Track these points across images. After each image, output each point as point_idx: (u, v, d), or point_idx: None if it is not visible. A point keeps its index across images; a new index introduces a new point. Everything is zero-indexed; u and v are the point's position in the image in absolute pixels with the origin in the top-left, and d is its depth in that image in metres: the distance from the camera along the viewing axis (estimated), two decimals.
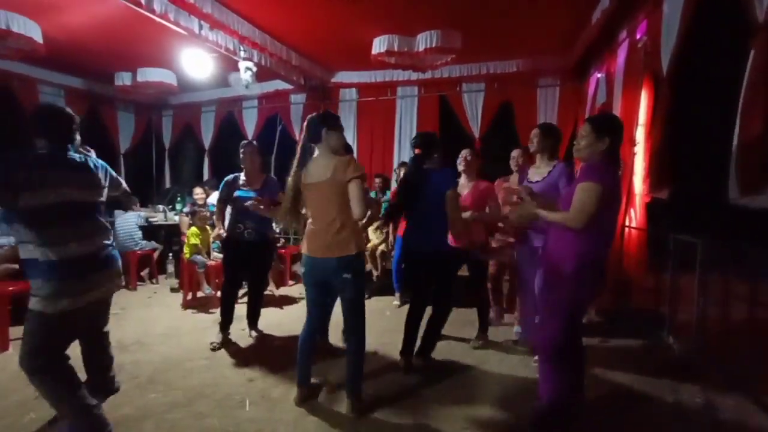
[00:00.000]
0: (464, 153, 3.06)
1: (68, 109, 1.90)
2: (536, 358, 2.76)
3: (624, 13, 3.52)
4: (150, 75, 5.05)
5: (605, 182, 1.77)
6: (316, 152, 2.14)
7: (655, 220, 3.28)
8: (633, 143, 3.27)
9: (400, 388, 2.46)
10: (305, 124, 2.15)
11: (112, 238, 1.99)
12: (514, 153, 3.27)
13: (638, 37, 3.40)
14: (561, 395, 1.91)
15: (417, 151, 2.63)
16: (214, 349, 2.96)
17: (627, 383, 2.53)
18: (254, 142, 3.18)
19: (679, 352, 2.90)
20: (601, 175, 1.78)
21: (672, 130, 2.70)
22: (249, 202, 2.82)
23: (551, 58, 5.05)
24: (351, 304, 2.13)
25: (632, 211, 3.42)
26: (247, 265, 3.14)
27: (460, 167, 3.05)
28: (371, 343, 2.95)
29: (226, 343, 3.06)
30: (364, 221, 2.15)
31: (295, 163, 2.16)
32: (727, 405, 2.25)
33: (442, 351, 2.89)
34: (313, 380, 2.35)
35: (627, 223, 3.44)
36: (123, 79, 5.37)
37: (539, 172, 2.71)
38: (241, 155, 3.03)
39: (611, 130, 1.84)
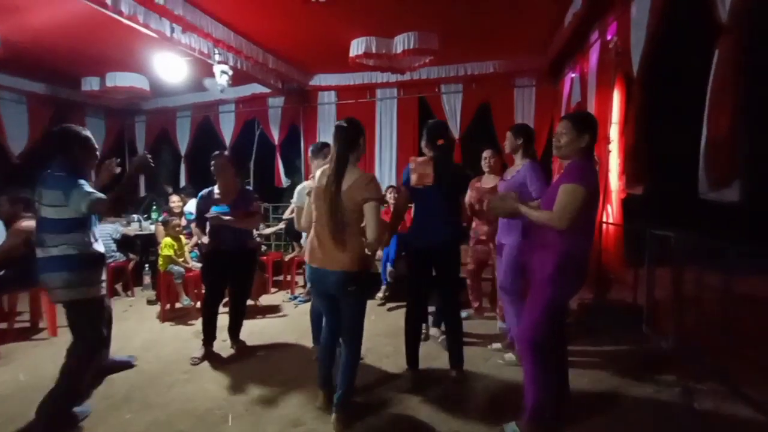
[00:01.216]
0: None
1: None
2: (510, 353, 2.81)
3: (595, 15, 3.61)
4: (120, 79, 4.88)
5: (588, 183, 1.79)
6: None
7: (631, 216, 3.37)
8: (608, 141, 3.36)
9: (386, 394, 2.43)
10: (337, 131, 2.03)
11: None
12: (485, 153, 3.39)
13: (609, 38, 3.50)
14: (547, 393, 1.92)
15: (440, 142, 2.51)
16: (194, 364, 2.86)
17: (607, 376, 2.58)
18: (225, 153, 3.06)
19: (657, 344, 2.99)
20: (583, 176, 1.80)
21: (645, 128, 2.77)
22: (210, 214, 2.82)
23: (527, 59, 5.15)
24: (348, 320, 2.10)
25: (609, 207, 3.51)
26: (228, 276, 3.05)
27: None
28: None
29: (209, 356, 2.96)
30: (374, 247, 2.04)
31: (332, 174, 1.99)
32: (703, 394, 2.32)
33: (426, 355, 2.87)
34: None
35: (604, 219, 3.53)
36: (91, 83, 5.18)
37: (512, 171, 2.78)
38: (212, 168, 2.95)
39: (590, 127, 1.88)
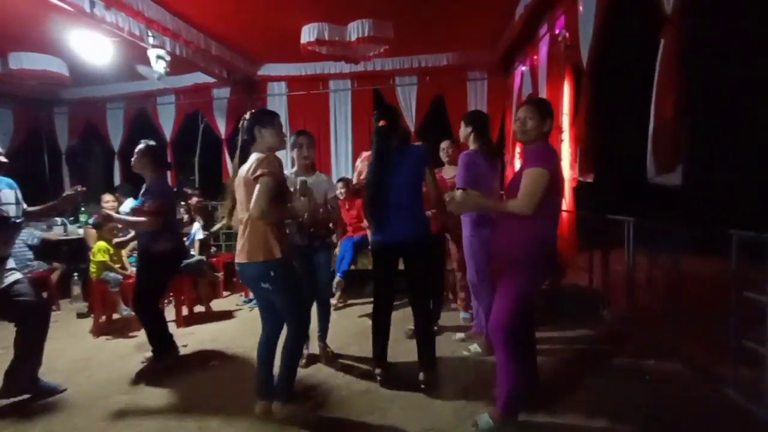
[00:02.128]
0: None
1: None
2: (475, 344, 2.83)
3: (544, 9, 3.72)
4: (28, 61, 4.20)
5: (551, 166, 1.80)
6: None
7: (582, 203, 3.52)
8: (560, 131, 3.47)
9: (353, 393, 2.32)
10: (240, 124, 2.11)
11: None
12: (443, 144, 3.38)
13: (557, 31, 3.62)
14: (519, 381, 1.91)
15: (382, 123, 2.28)
16: (141, 377, 2.64)
17: (570, 360, 2.67)
18: (149, 143, 2.80)
19: (615, 326, 3.15)
20: (546, 159, 1.81)
21: (595, 118, 2.89)
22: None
23: (479, 52, 5.22)
24: (282, 312, 2.06)
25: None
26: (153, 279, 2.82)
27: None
28: (317, 348, 2.79)
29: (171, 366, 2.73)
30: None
31: (234, 164, 2.11)
32: (659, 368, 2.46)
33: (396, 349, 2.80)
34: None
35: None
36: None
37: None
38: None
39: (551, 112, 1.90)
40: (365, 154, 2.31)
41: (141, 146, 2.78)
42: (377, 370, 2.46)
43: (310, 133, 2.76)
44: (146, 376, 2.64)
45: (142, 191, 2.79)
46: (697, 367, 2.41)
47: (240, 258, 2.01)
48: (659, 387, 2.28)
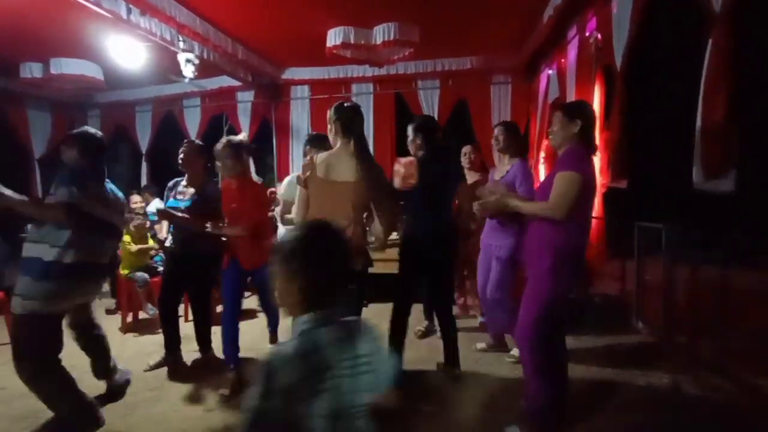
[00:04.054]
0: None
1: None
2: (511, 353, 2.75)
3: (574, 10, 3.63)
4: (67, 66, 4.35)
5: (584, 171, 1.74)
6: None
7: (612, 210, 3.40)
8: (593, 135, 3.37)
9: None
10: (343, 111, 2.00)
11: None
12: (465, 149, 3.34)
13: (588, 33, 3.52)
14: (548, 392, 1.84)
15: (439, 134, 2.52)
16: (146, 370, 2.69)
17: (600, 370, 2.56)
18: (196, 141, 2.86)
19: (647, 336, 3.01)
20: (579, 163, 1.75)
21: (629, 122, 2.78)
22: (160, 208, 2.64)
23: (503, 56, 5.15)
24: None
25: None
26: (184, 280, 2.82)
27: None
28: None
29: (174, 367, 2.71)
30: None
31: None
32: (695, 383, 2.33)
33: (413, 356, 2.75)
34: None
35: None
36: (31, 70, 4.56)
37: (501, 170, 2.74)
38: (180, 157, 2.70)
39: (581, 113, 1.85)
40: (404, 160, 2.32)
41: (195, 142, 2.83)
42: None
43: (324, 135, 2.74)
44: (182, 367, 2.76)
45: (201, 190, 2.70)
46: (742, 383, 2.27)
47: None
48: (699, 403, 2.15)
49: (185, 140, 2.80)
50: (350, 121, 1.96)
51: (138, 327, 3.62)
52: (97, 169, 2.12)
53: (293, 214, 2.16)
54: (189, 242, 2.65)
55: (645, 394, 2.28)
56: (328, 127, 2.01)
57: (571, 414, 2.02)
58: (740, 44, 1.81)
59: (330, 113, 2.01)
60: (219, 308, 4.05)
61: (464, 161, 3.29)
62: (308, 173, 1.92)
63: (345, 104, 2.03)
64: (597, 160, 3.32)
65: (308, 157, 1.96)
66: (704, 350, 2.64)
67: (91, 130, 2.24)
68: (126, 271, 3.69)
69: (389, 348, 2.39)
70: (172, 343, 2.78)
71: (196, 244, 2.63)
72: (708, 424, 1.99)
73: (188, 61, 4.00)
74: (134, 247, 3.70)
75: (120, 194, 2.25)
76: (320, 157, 1.94)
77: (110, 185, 2.19)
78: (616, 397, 2.25)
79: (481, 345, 2.97)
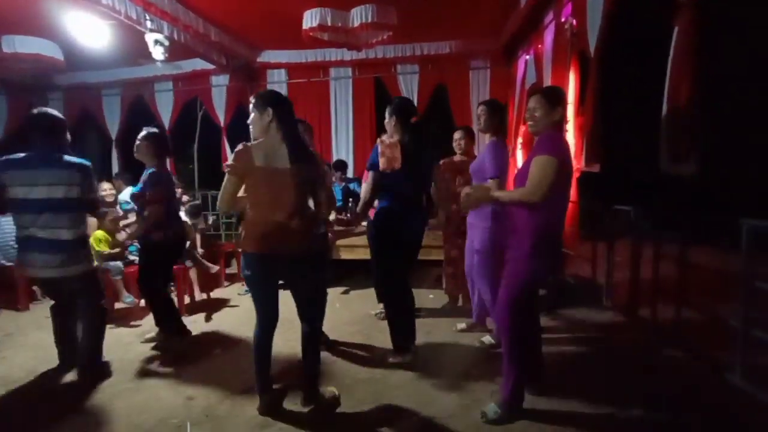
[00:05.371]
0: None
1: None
2: (487, 336, 2.83)
3: None
4: (21, 45, 4.05)
5: (561, 154, 1.78)
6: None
7: (585, 193, 3.51)
8: (565, 120, 3.43)
9: (358, 381, 2.33)
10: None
11: None
12: (456, 135, 3.24)
13: (563, 19, 3.56)
14: (525, 371, 1.92)
15: (415, 119, 2.45)
16: (145, 341, 2.90)
17: (573, 350, 2.67)
18: (150, 129, 2.79)
19: (617, 315, 3.16)
20: (555, 147, 1.78)
21: (602, 107, 2.85)
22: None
23: (482, 41, 5.15)
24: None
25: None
26: (157, 267, 2.88)
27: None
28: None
29: (164, 347, 2.82)
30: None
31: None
32: (663, 356, 2.48)
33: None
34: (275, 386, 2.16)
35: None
36: None
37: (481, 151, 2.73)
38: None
39: (561, 101, 1.87)
40: (387, 140, 2.29)
41: (144, 133, 2.76)
42: (407, 356, 2.48)
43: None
44: (160, 356, 2.73)
45: (142, 178, 2.75)
46: (701, 355, 2.43)
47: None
48: (663, 374, 2.29)
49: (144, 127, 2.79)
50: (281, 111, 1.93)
51: (114, 318, 3.53)
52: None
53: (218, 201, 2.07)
54: (147, 232, 2.76)
55: (610, 363, 2.42)
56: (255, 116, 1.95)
57: (548, 383, 2.12)
58: (705, 31, 1.87)
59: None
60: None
61: (456, 147, 3.19)
62: (238, 162, 1.87)
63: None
64: (571, 145, 3.41)
65: (240, 145, 1.91)
66: (665, 323, 2.79)
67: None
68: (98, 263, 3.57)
69: (406, 308, 2.50)
70: (180, 325, 2.89)
71: (147, 232, 2.75)
72: (667, 388, 2.13)
73: (157, 41, 3.83)
74: (105, 251, 3.58)
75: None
76: (254, 145, 1.89)
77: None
78: (587, 368, 2.38)
79: (461, 325, 3.04)
